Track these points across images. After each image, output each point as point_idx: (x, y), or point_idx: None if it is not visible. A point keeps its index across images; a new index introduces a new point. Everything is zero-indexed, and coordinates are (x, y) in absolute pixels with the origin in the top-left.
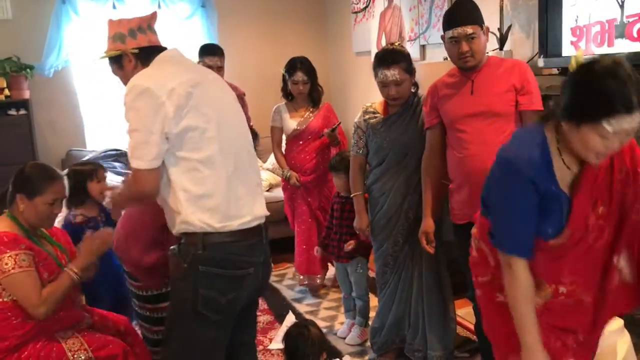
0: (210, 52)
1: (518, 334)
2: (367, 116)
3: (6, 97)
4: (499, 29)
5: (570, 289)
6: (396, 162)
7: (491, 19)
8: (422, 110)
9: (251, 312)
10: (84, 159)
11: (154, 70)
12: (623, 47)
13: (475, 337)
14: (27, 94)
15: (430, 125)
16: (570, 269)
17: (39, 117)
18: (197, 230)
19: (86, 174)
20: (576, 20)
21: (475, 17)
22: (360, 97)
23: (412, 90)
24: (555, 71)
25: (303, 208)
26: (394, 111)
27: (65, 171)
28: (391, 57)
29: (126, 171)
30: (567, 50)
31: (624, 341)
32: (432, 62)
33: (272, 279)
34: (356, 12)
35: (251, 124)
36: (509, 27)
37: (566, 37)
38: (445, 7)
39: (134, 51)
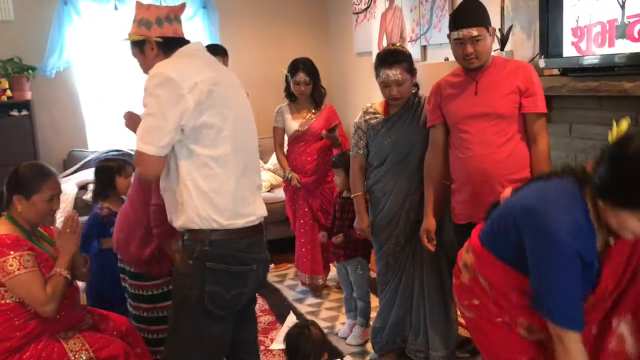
0: (213, 52)
1: None
2: (367, 116)
3: (8, 98)
4: (500, 30)
5: None
6: (397, 163)
7: (492, 20)
8: (422, 111)
9: (251, 309)
10: (85, 159)
11: (179, 61)
12: (624, 47)
13: None
14: (29, 95)
15: (433, 124)
16: None
17: (41, 118)
18: (203, 226)
19: (114, 169)
20: (577, 21)
21: (481, 19)
22: (362, 97)
23: (413, 91)
24: (556, 72)
25: (304, 209)
26: (394, 111)
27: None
28: (393, 57)
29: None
30: (568, 50)
31: None
32: (433, 63)
33: (273, 279)
34: (357, 13)
35: None
36: (510, 28)
37: (567, 37)
38: (447, 8)
39: (157, 39)
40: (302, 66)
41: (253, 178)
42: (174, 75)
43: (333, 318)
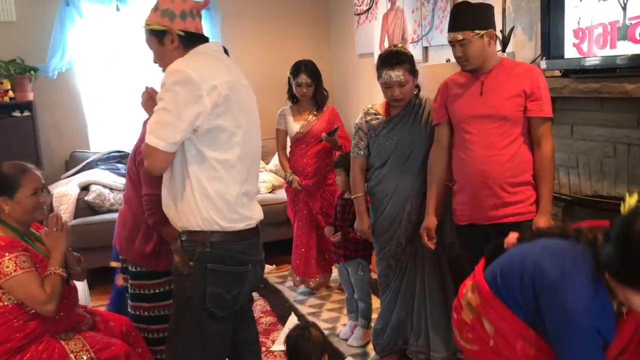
0: None
1: None
2: (368, 117)
3: (10, 98)
4: (502, 31)
5: None
6: (399, 164)
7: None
8: (424, 112)
9: (248, 308)
10: (87, 160)
11: (200, 61)
12: (625, 49)
13: None
14: (31, 96)
15: (438, 122)
16: None
17: (43, 119)
18: (204, 227)
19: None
20: (578, 22)
21: (467, 23)
22: (363, 98)
23: (414, 92)
24: (557, 73)
25: (304, 212)
26: (395, 113)
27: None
28: (395, 58)
29: None
30: (570, 52)
31: None
32: (435, 64)
33: (275, 280)
34: (359, 14)
35: None
36: (512, 29)
37: (568, 39)
38: (448, 9)
39: (180, 33)
40: (304, 68)
41: (254, 184)
42: (195, 76)
43: (334, 319)
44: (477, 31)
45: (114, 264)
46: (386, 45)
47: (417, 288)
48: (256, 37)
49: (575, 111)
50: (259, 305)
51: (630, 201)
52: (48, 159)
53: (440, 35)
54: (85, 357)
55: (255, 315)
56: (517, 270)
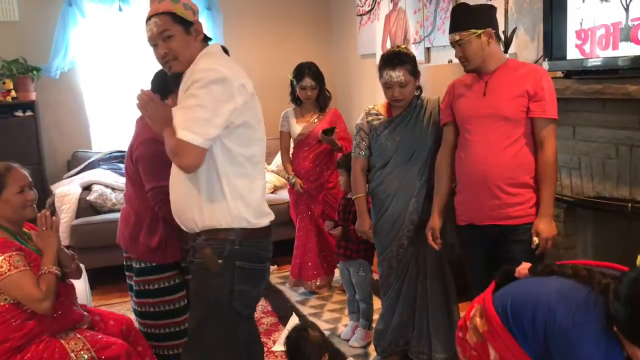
0: None
1: None
2: (370, 118)
3: (13, 98)
4: (504, 32)
5: None
6: (401, 164)
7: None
8: (426, 113)
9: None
10: (90, 160)
11: (223, 60)
12: (628, 50)
13: None
14: (33, 96)
15: (445, 122)
16: None
17: (45, 119)
18: (234, 225)
19: None
20: (581, 23)
21: (464, 23)
22: (365, 99)
23: (415, 94)
24: (559, 74)
25: (305, 214)
26: (397, 113)
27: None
28: (397, 59)
29: None
30: (572, 53)
31: None
32: (437, 65)
33: (276, 281)
34: (361, 15)
35: None
36: (514, 30)
37: (571, 40)
38: (450, 10)
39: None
40: (307, 71)
41: (265, 181)
42: (228, 75)
43: (336, 320)
44: (473, 30)
45: None
46: (388, 46)
47: (419, 289)
48: (258, 38)
49: (577, 112)
50: (261, 305)
51: None
52: (50, 159)
53: (443, 36)
54: (85, 356)
55: (256, 315)
56: (530, 307)
